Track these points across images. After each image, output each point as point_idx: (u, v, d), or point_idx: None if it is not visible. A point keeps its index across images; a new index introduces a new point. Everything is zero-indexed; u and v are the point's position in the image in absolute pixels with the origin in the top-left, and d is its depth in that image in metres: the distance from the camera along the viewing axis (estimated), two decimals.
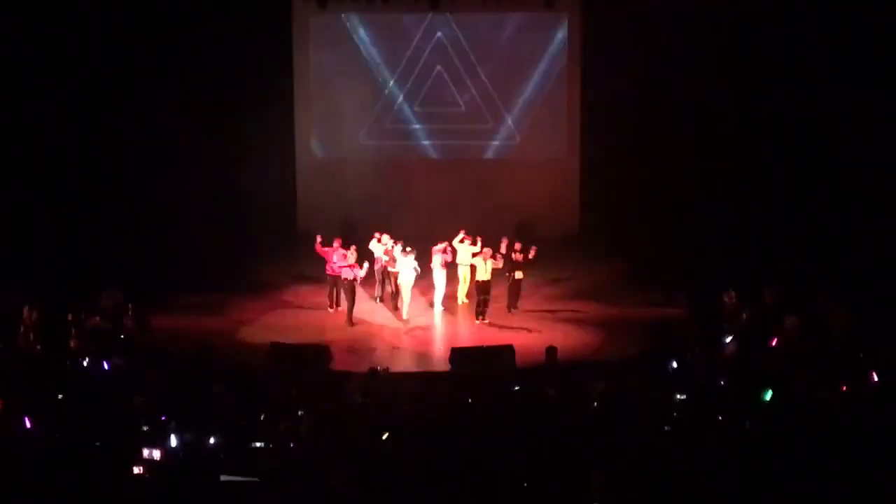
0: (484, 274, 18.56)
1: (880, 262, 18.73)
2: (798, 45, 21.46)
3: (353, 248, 18.72)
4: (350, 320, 18.36)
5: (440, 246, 18.95)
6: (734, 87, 22.46)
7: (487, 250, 18.70)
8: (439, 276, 19.00)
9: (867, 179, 20.70)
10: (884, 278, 17.98)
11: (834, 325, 15.91)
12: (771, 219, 21.71)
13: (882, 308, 16.22)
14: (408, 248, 18.62)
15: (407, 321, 18.55)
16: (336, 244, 18.87)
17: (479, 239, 19.27)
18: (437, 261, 18.91)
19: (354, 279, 18.39)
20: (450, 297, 19.40)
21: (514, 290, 19.02)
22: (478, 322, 18.62)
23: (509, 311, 19.01)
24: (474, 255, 18.91)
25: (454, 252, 19.11)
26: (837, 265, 18.74)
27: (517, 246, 18.81)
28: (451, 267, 19.17)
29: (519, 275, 18.87)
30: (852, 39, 20.79)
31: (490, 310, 18.77)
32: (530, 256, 18.73)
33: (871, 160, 20.65)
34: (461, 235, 19.31)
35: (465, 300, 19.53)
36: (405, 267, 18.47)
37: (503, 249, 18.93)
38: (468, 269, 19.25)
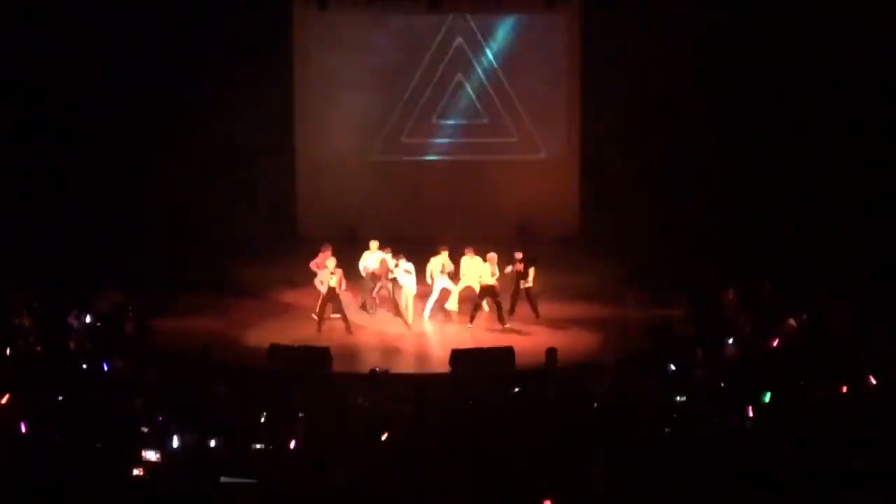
0: (489, 279, 18.21)
1: (881, 261, 18.75)
2: (799, 42, 21.46)
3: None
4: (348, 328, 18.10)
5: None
6: (735, 85, 22.46)
7: (493, 255, 18.32)
8: (438, 282, 18.79)
9: (869, 177, 20.71)
10: (885, 277, 17.99)
11: (834, 325, 15.93)
12: (773, 218, 21.72)
13: (883, 307, 16.22)
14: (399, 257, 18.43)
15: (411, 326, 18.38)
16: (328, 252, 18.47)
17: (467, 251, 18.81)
18: (436, 267, 18.67)
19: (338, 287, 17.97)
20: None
21: (529, 297, 18.62)
22: (472, 321, 18.41)
23: (537, 317, 18.60)
24: (486, 259, 18.36)
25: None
26: (839, 264, 18.75)
27: (518, 256, 18.38)
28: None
29: (524, 283, 18.52)
30: (854, 36, 20.80)
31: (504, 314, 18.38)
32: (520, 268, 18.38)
33: (874, 157, 20.66)
34: (469, 254, 18.71)
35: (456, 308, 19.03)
36: (405, 276, 18.33)
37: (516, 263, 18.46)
38: (476, 281, 18.68)
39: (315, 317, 18.20)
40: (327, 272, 17.94)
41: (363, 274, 19.14)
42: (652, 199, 22.95)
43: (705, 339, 15.79)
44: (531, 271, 18.51)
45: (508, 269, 18.38)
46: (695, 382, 13.56)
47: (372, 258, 19.03)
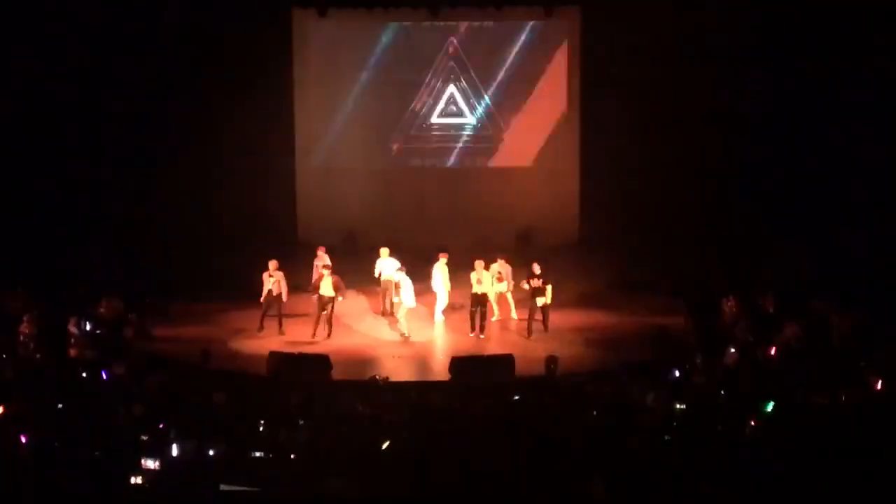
0: (478, 287, 17.95)
1: (881, 267, 18.77)
2: (797, 49, 21.49)
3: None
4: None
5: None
6: (733, 96, 22.48)
7: (479, 262, 18.20)
8: (441, 287, 18.86)
9: (867, 183, 20.74)
10: (885, 283, 17.99)
11: (834, 332, 15.93)
12: (772, 225, 21.72)
13: (883, 314, 16.22)
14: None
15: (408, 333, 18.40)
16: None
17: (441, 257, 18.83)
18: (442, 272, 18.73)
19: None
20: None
21: (543, 312, 17.98)
22: (471, 335, 18.07)
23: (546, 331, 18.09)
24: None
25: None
26: (839, 270, 18.75)
27: (536, 270, 17.84)
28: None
29: (541, 301, 17.83)
30: (853, 41, 20.84)
31: (487, 324, 18.23)
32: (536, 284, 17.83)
33: (873, 163, 20.69)
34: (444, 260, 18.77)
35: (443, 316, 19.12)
36: (405, 281, 18.34)
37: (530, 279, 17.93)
38: (445, 288, 18.84)
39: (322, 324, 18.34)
40: (267, 275, 18.22)
41: (379, 278, 19.27)
42: (651, 207, 22.96)
43: (705, 347, 15.79)
44: (549, 288, 17.87)
45: (525, 284, 17.98)
46: (695, 390, 13.54)
47: (384, 264, 19.14)
